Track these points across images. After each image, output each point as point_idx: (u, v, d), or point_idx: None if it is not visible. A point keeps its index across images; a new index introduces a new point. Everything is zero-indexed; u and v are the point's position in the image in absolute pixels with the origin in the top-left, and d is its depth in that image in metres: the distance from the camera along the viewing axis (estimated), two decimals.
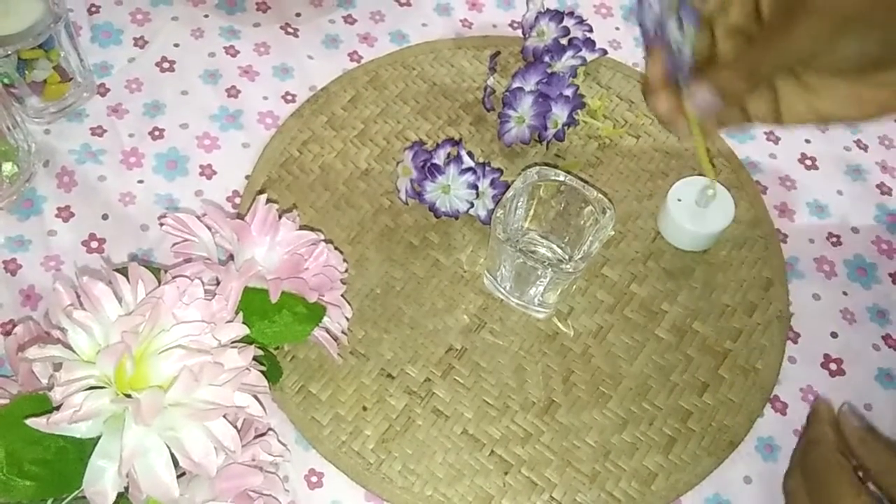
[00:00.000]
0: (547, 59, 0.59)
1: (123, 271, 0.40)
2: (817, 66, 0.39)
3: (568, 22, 0.61)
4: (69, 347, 0.38)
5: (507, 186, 0.51)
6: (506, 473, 0.48)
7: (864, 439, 0.46)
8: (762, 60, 0.39)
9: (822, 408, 0.50)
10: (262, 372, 0.41)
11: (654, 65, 0.43)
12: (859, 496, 0.43)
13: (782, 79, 0.42)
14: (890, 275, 0.58)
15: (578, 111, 0.58)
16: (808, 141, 0.64)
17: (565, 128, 0.58)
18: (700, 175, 0.55)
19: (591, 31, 0.62)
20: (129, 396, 0.37)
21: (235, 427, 0.38)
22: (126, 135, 0.58)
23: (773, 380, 0.53)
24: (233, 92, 0.61)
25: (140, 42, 0.63)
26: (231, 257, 0.48)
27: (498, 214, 0.49)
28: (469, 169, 0.53)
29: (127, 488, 0.37)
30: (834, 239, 0.59)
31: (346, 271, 0.50)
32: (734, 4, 0.42)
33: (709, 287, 0.56)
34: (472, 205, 0.54)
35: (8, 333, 0.44)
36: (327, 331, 0.48)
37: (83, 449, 0.37)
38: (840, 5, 0.36)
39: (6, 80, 0.54)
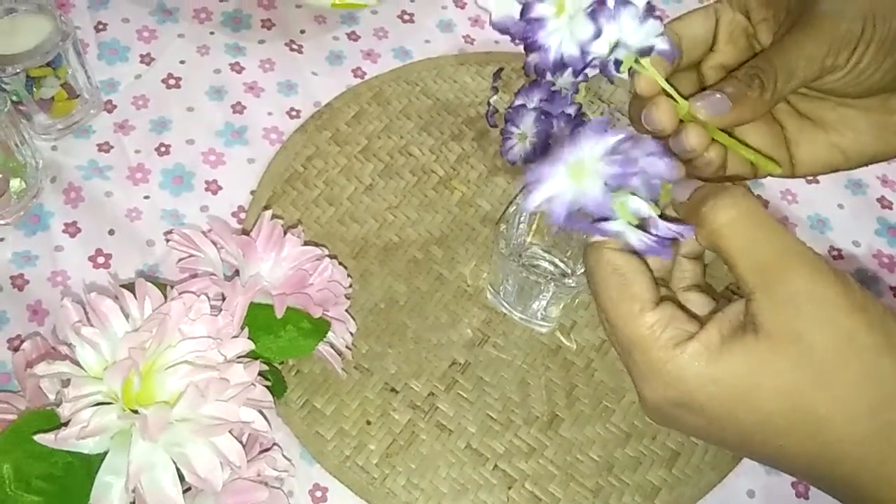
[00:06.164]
0: (549, 75, 0.60)
1: (130, 287, 0.41)
2: (839, 84, 0.35)
3: None
4: (77, 363, 0.38)
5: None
6: (509, 488, 0.49)
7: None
8: (781, 66, 0.34)
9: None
10: (267, 387, 0.41)
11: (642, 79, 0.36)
12: (642, 313, 0.31)
13: (792, 119, 0.38)
14: (892, 288, 0.58)
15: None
16: None
17: None
18: None
19: None
20: (136, 412, 0.37)
21: (241, 442, 0.39)
22: (132, 151, 0.59)
23: None
24: (238, 108, 0.62)
25: (146, 59, 0.63)
26: (236, 273, 0.48)
27: (501, 229, 0.49)
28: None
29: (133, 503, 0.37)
30: (835, 253, 0.60)
31: (350, 286, 0.51)
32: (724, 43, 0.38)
33: None
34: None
35: (16, 349, 0.45)
36: (331, 346, 0.48)
37: (90, 464, 0.37)
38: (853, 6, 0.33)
39: (15, 98, 0.54)
